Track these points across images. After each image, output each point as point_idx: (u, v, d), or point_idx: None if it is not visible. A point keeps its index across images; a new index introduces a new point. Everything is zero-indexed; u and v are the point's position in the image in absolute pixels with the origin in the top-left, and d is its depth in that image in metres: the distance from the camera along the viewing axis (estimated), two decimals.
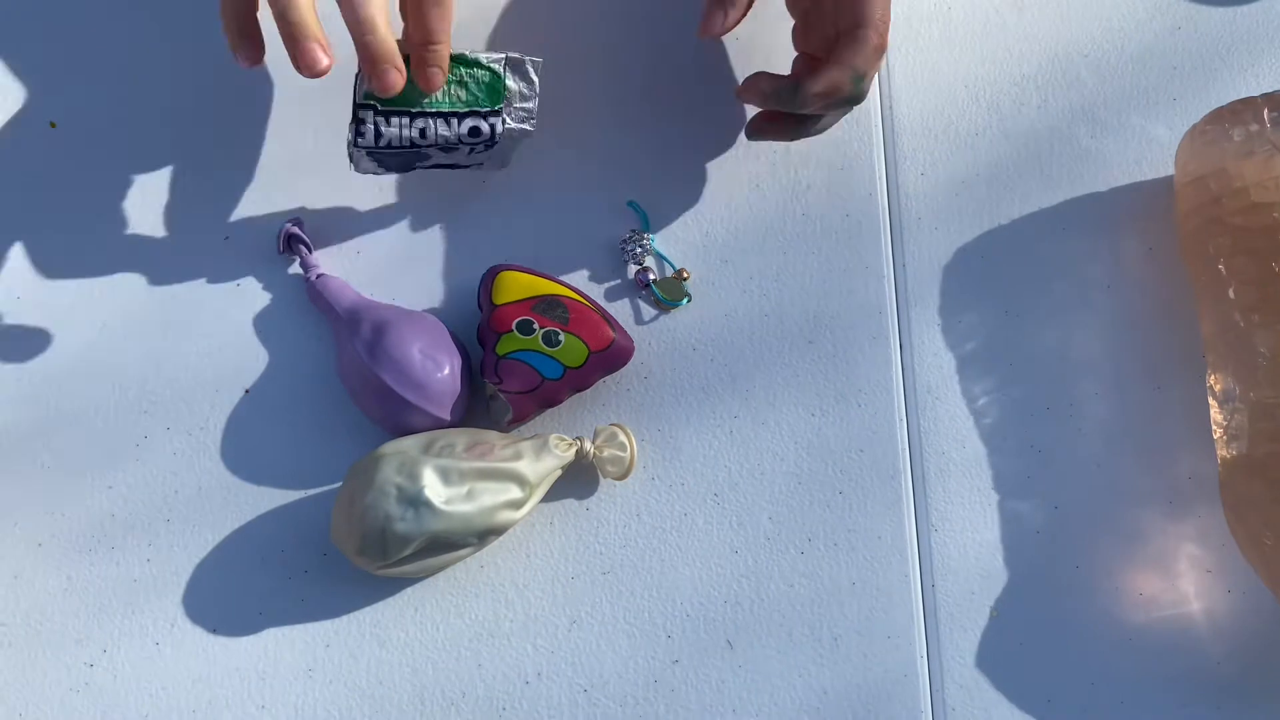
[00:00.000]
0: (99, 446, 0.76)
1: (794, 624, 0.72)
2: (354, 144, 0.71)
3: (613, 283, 0.77)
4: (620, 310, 0.77)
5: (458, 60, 0.71)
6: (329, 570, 0.73)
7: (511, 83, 0.72)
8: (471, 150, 0.73)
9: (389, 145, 0.71)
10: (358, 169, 0.73)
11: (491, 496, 0.69)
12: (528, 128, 0.73)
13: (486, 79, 0.72)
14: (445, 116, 0.71)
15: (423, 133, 0.71)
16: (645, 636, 0.72)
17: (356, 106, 0.71)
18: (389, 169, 0.74)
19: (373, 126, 0.70)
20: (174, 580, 0.74)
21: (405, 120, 0.71)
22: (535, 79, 0.72)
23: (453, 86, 0.71)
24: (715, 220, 0.78)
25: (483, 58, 0.71)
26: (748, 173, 0.79)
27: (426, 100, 0.70)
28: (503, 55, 0.72)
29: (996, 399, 0.75)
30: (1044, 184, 0.78)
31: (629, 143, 0.79)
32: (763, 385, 0.75)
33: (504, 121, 0.72)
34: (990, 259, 0.77)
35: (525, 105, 0.73)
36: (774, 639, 0.72)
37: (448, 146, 0.72)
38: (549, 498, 0.73)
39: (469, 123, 0.72)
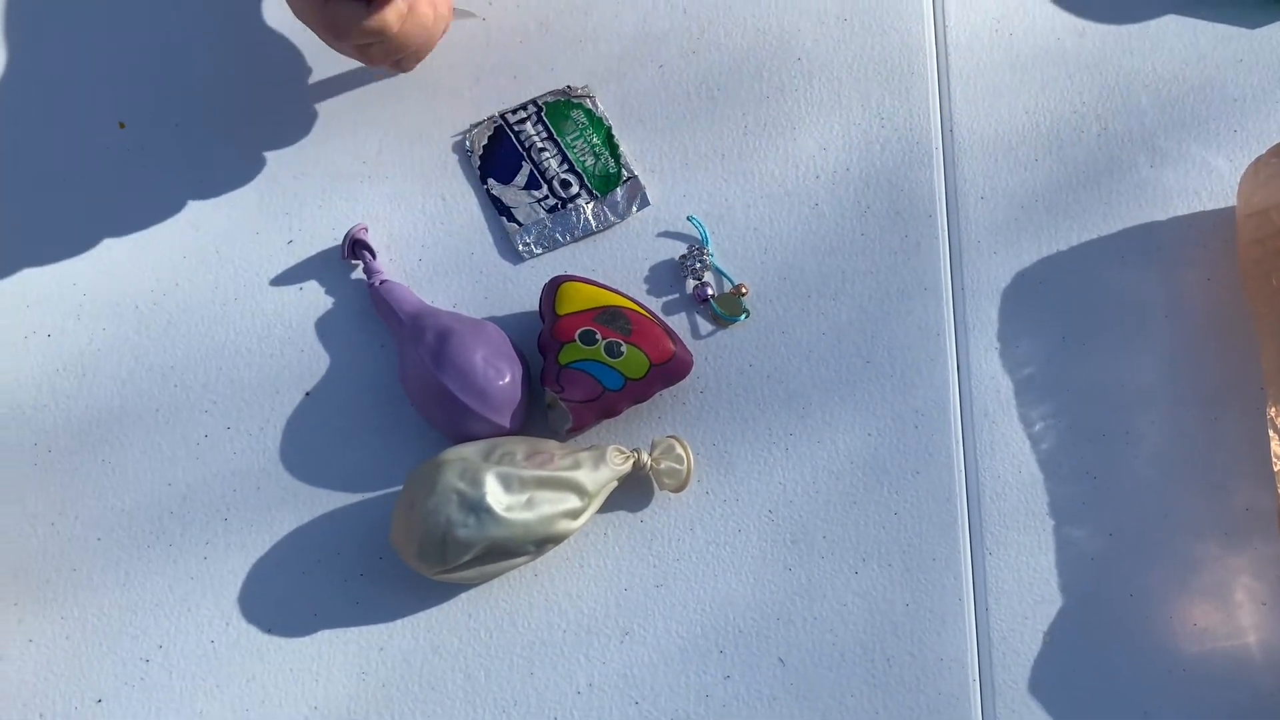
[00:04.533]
0: (160, 444, 0.72)
1: (846, 643, 0.68)
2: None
3: (671, 296, 0.74)
4: (678, 324, 0.73)
5: (610, 139, 0.74)
6: (384, 574, 0.70)
7: (620, 192, 0.73)
8: (542, 200, 0.73)
9: (517, 138, 0.71)
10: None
11: (551, 505, 0.66)
12: (592, 225, 0.73)
13: (612, 170, 0.73)
14: (564, 154, 0.72)
15: (542, 151, 0.73)
16: (697, 651, 0.68)
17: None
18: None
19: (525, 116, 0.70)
20: (230, 579, 0.70)
21: (544, 131, 0.72)
22: (633, 210, 0.73)
23: (590, 147, 0.72)
24: (774, 237, 0.74)
25: (626, 156, 0.72)
26: (807, 192, 0.75)
27: (571, 135, 0.71)
28: (635, 174, 0.73)
29: (1053, 425, 0.71)
30: (1103, 211, 0.74)
31: (690, 158, 0.75)
32: (819, 403, 0.72)
33: (587, 208, 0.73)
34: (1048, 284, 0.73)
35: (609, 215, 0.73)
36: (826, 658, 0.68)
37: (541, 176, 0.72)
38: (604, 509, 0.70)
39: (571, 177, 0.73)
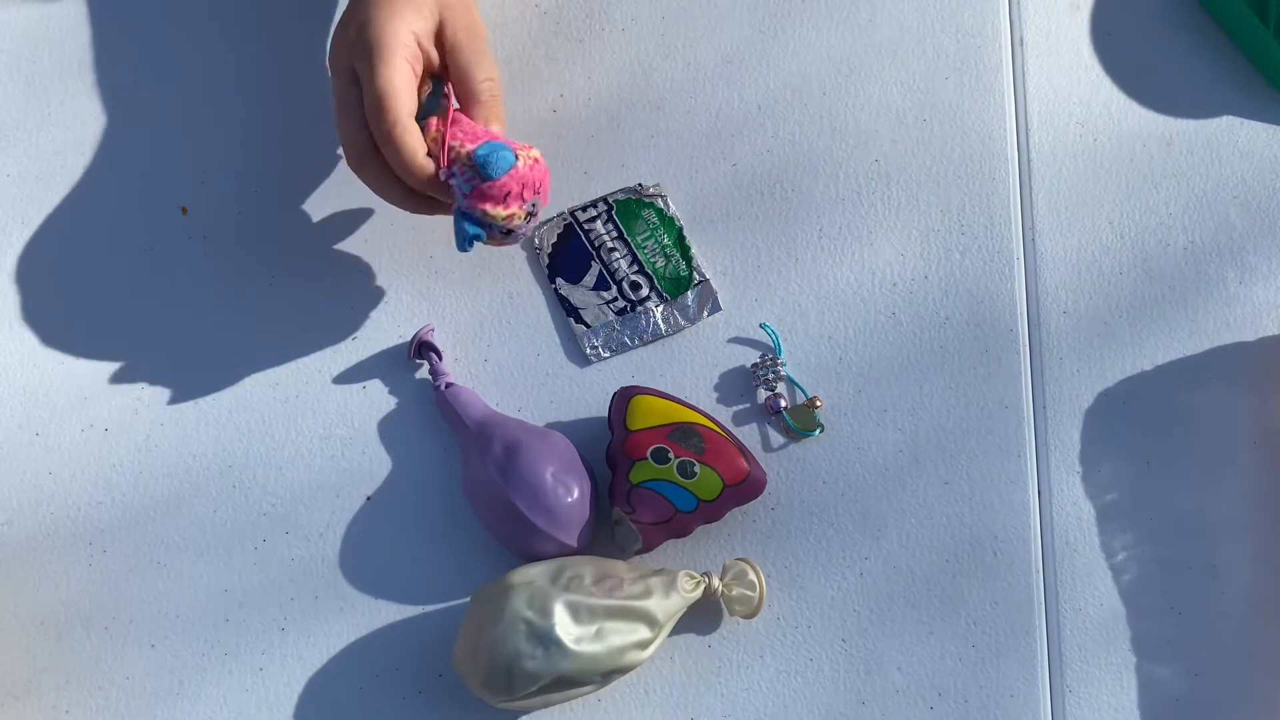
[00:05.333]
0: (216, 547, 0.70)
1: None
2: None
3: (741, 406, 0.71)
4: (748, 435, 0.70)
5: (681, 240, 0.71)
6: (444, 692, 0.67)
7: (691, 296, 0.70)
8: (611, 302, 0.70)
9: (588, 236, 0.69)
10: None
11: (620, 636, 0.63)
12: (661, 329, 0.70)
13: (684, 272, 0.70)
14: (634, 255, 0.69)
15: (612, 251, 0.70)
16: None
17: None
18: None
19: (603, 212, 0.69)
20: (286, 692, 0.68)
21: (614, 230, 0.70)
22: (704, 315, 0.70)
23: (661, 248, 0.70)
24: (849, 347, 0.71)
25: (697, 258, 0.70)
26: (884, 301, 0.72)
27: (642, 235, 0.69)
28: (707, 278, 0.70)
29: (1136, 555, 0.67)
30: (1189, 329, 0.71)
31: (762, 262, 0.72)
32: (895, 525, 0.68)
33: (657, 311, 0.70)
34: (1132, 405, 0.70)
35: (679, 319, 0.70)
36: None
37: (610, 276, 0.69)
38: (671, 631, 0.66)
39: (641, 279, 0.70)
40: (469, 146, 0.64)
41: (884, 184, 0.73)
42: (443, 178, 0.65)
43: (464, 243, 0.65)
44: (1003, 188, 0.73)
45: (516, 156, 0.65)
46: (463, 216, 0.65)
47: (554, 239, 0.73)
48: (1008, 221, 0.73)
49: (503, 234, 0.66)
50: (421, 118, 0.66)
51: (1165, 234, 0.72)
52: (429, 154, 0.65)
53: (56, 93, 0.76)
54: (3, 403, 0.72)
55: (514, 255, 0.74)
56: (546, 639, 0.62)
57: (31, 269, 0.74)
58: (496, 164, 0.64)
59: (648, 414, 0.67)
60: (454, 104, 0.68)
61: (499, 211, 0.65)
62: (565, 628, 0.62)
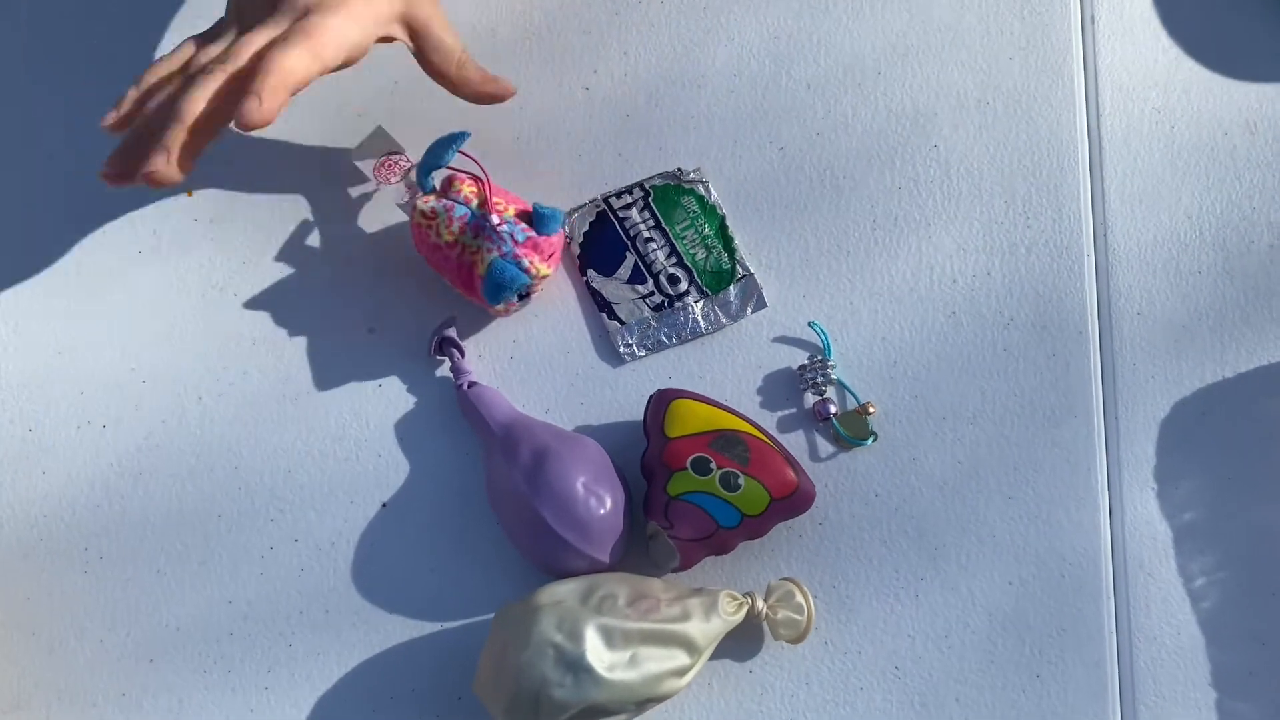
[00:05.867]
0: (220, 555, 0.65)
1: None
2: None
3: (787, 411, 0.65)
4: (795, 443, 0.65)
5: (724, 230, 0.66)
6: (463, 718, 0.62)
7: (733, 291, 0.65)
8: (647, 296, 0.65)
9: (622, 224, 0.65)
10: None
11: (657, 663, 0.57)
12: (701, 326, 0.65)
13: (725, 265, 0.65)
14: (672, 246, 0.65)
15: (649, 241, 0.65)
16: None
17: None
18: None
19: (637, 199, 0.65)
20: (293, 713, 0.63)
21: (650, 219, 0.65)
22: (747, 312, 0.65)
23: (701, 239, 0.65)
24: (905, 349, 0.66)
25: (741, 251, 0.65)
26: (943, 299, 0.66)
27: (681, 224, 0.64)
28: (751, 272, 0.65)
29: (1216, 580, 0.62)
30: (1275, 333, 0.65)
31: (811, 255, 0.67)
32: (953, 544, 0.63)
33: (697, 307, 0.65)
34: (1212, 416, 0.64)
35: (721, 316, 0.65)
36: None
37: (647, 269, 0.64)
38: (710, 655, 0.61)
39: (679, 272, 0.65)
40: (512, 206, 0.63)
41: (943, 171, 0.68)
42: (495, 223, 0.62)
43: (507, 292, 0.62)
44: (1072, 177, 0.67)
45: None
46: (511, 263, 0.62)
47: (585, 228, 0.68)
48: (1077, 214, 0.67)
49: (521, 298, 0.64)
50: (428, 170, 0.63)
51: (1248, 229, 0.67)
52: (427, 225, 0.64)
53: (55, 62, 0.71)
54: None
55: None
56: (577, 666, 0.56)
57: (24, 253, 0.69)
58: (555, 221, 0.63)
59: (688, 420, 0.62)
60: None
61: (542, 267, 0.63)
62: (597, 654, 0.56)
